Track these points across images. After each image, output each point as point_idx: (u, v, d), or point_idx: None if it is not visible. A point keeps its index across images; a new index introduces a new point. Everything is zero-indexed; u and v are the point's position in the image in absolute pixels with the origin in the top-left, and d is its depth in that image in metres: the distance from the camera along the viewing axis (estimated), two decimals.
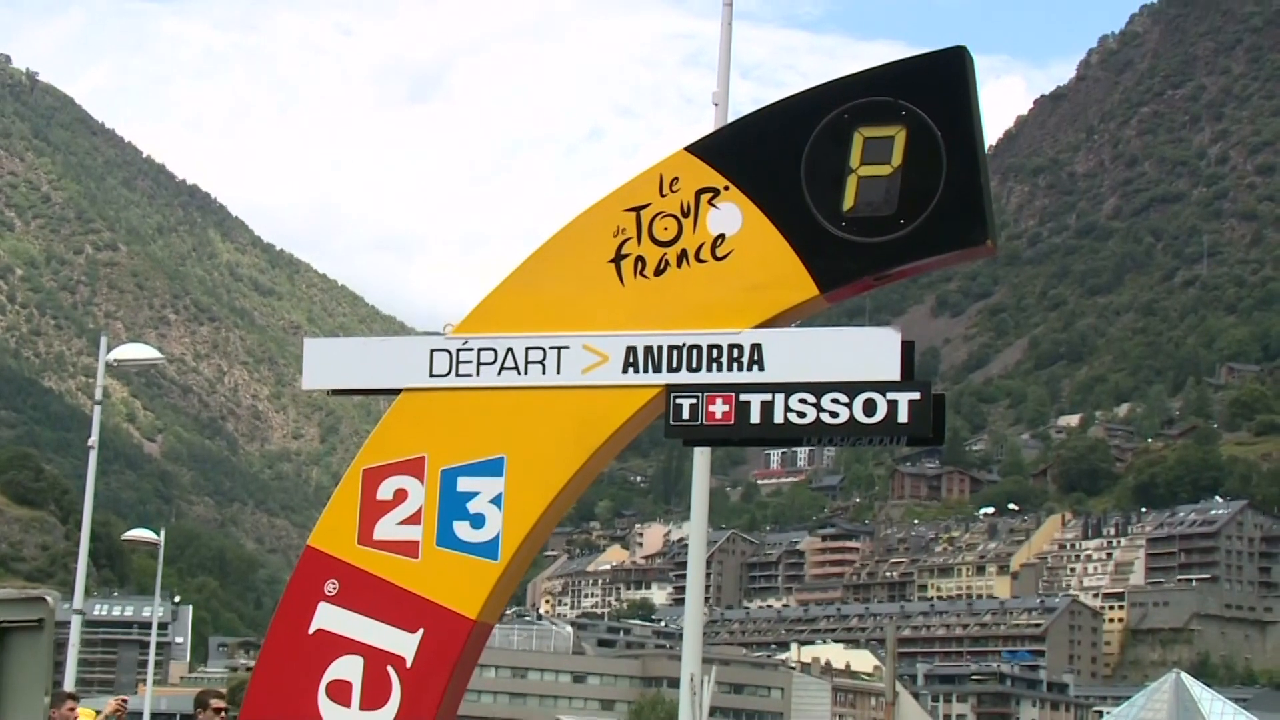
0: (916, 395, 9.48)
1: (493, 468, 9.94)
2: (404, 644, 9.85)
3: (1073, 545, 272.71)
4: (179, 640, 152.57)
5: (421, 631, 9.85)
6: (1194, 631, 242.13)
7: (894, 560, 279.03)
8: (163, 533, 55.47)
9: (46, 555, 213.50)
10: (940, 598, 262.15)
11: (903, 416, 9.43)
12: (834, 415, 9.49)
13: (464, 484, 9.95)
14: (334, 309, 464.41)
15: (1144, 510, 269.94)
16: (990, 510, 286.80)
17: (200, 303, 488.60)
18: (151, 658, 66.87)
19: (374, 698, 9.85)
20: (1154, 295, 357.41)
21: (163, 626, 70.28)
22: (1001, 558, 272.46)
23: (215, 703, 18.75)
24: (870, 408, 9.43)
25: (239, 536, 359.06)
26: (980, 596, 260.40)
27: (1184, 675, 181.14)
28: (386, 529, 10.02)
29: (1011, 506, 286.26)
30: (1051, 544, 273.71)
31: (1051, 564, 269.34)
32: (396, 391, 10.28)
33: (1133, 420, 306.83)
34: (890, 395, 9.45)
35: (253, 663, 12.95)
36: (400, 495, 10.03)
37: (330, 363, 10.74)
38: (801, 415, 9.53)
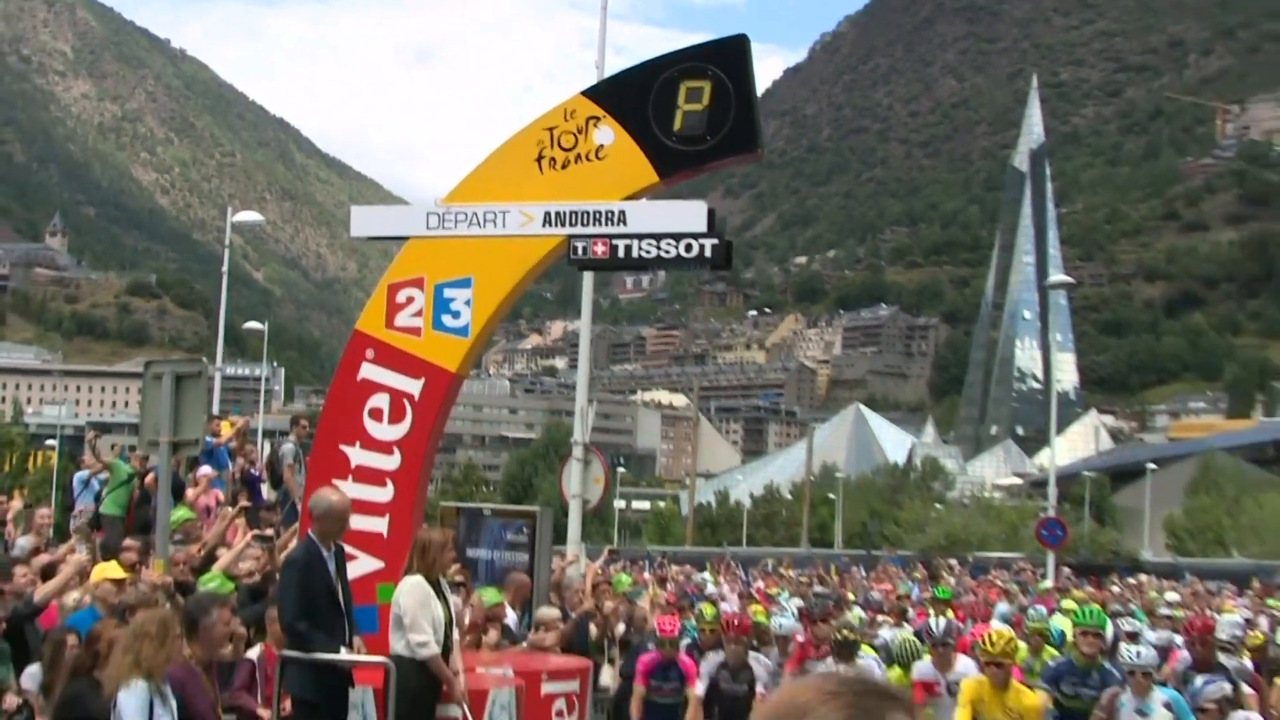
0: (716, 241, 9.50)
1: (465, 283, 9.88)
2: (413, 386, 9.84)
3: (800, 332, 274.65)
4: (276, 388, 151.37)
5: (423, 379, 9.84)
6: (867, 382, 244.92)
7: (698, 341, 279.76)
8: (266, 325, 54.72)
9: (197, 338, 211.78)
10: (725, 364, 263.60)
11: (709, 253, 9.48)
12: (667, 252, 9.49)
13: (448, 292, 9.90)
14: (367, 193, 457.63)
15: (841, 312, 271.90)
16: (754, 312, 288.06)
17: (285, 189, 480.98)
18: (261, 398, 66.38)
19: (396, 417, 9.85)
20: (850, 187, 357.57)
21: (267, 380, 70.49)
22: (760, 340, 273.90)
23: (302, 423, 18.59)
24: (689, 248, 9.45)
25: (311, 327, 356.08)
26: (748, 363, 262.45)
27: (861, 406, 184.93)
28: (403, 319, 9.97)
29: (767, 310, 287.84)
30: (789, 332, 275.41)
31: (788, 343, 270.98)
32: (406, 238, 10.17)
33: (836, 260, 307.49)
34: (701, 241, 9.46)
35: (323, 401, 12.73)
36: (410, 299, 9.97)
37: (367, 221, 10.62)
38: (648, 253, 9.52)
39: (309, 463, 10.68)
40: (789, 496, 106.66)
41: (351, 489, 9.50)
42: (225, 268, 38.46)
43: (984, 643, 9.56)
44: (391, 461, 9.84)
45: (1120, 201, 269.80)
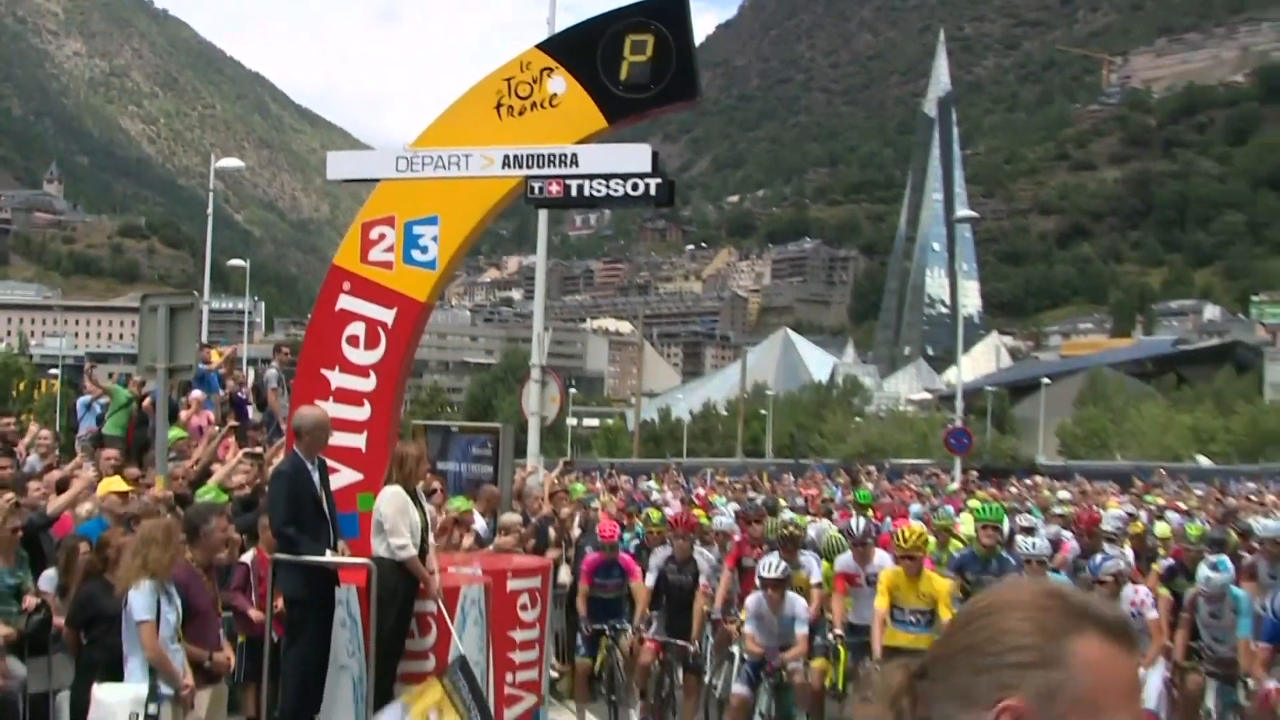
0: (660, 180, 9.44)
1: (432, 221, 9.73)
2: (386, 315, 9.71)
3: (733, 264, 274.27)
4: (258, 320, 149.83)
5: (396, 309, 9.71)
6: (794, 309, 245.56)
7: (641, 273, 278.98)
8: (247, 262, 54.08)
9: (184, 275, 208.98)
10: (666, 294, 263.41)
11: (653, 192, 9.39)
12: (616, 191, 9.41)
13: (416, 229, 9.72)
14: (337, 141, 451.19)
15: (770, 246, 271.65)
16: (691, 247, 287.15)
17: (261, 138, 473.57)
18: (245, 329, 65.66)
19: (371, 343, 9.72)
20: (777, 132, 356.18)
21: (249, 312, 69.72)
22: (697, 272, 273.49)
23: (283, 350, 18.48)
24: (635, 187, 9.36)
25: (288, 264, 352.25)
26: (686, 293, 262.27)
27: (789, 330, 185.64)
28: (376, 254, 9.78)
29: (703, 244, 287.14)
30: (723, 264, 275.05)
31: (723, 274, 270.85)
32: (377, 180, 10.03)
33: (765, 198, 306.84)
34: (646, 180, 9.39)
35: (301, 333, 12.67)
36: (382, 235, 9.78)
37: (341, 165, 10.44)
38: (599, 192, 9.44)
39: (292, 386, 10.60)
40: (724, 412, 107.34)
41: (332, 409, 9.43)
42: (210, 210, 38.08)
43: (899, 539, 9.71)
44: (368, 384, 9.76)
45: (1018, 144, 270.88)
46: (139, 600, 7.30)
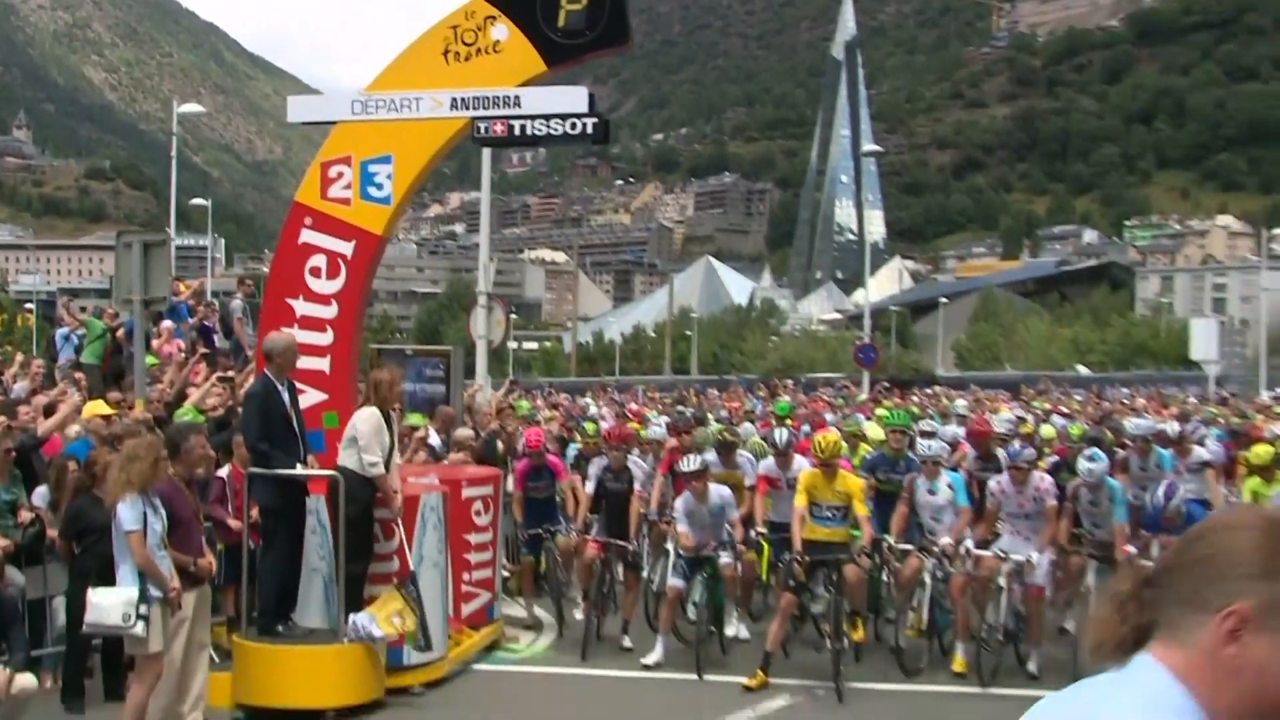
0: (596, 120, 9.39)
1: (386, 160, 9.61)
2: (345, 248, 9.62)
3: (659, 198, 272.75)
4: (219, 255, 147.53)
5: (354, 241, 9.63)
6: (715, 238, 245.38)
7: (574, 207, 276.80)
8: (209, 201, 53.10)
9: (148, 214, 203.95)
10: (598, 225, 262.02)
11: (590, 130, 9.35)
12: (556, 130, 9.37)
13: (372, 168, 9.60)
14: (290, 88, 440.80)
15: (693, 180, 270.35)
16: (620, 182, 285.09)
17: (217, 84, 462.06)
18: (209, 264, 64.55)
19: (332, 274, 9.63)
20: (698, 74, 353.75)
21: (210, 248, 68.47)
22: (626, 205, 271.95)
23: (246, 283, 18.26)
24: (574, 126, 9.31)
25: (245, 203, 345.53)
26: (616, 224, 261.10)
27: (711, 258, 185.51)
28: (334, 191, 9.66)
29: (631, 179, 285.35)
30: (650, 198, 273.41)
31: (649, 207, 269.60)
32: (334, 123, 9.88)
33: (688, 136, 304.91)
34: (583, 120, 9.34)
35: (261, 267, 12.46)
36: (340, 174, 9.64)
37: (301, 108, 10.26)
38: (540, 131, 9.39)
39: (261, 314, 10.51)
40: (653, 334, 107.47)
41: (298, 334, 9.37)
42: (174, 152, 37.27)
43: (817, 448, 9.87)
44: (330, 311, 9.67)
45: (917, 84, 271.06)
46: (127, 512, 7.27)
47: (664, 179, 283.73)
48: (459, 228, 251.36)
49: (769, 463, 10.91)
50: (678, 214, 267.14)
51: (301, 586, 8.99)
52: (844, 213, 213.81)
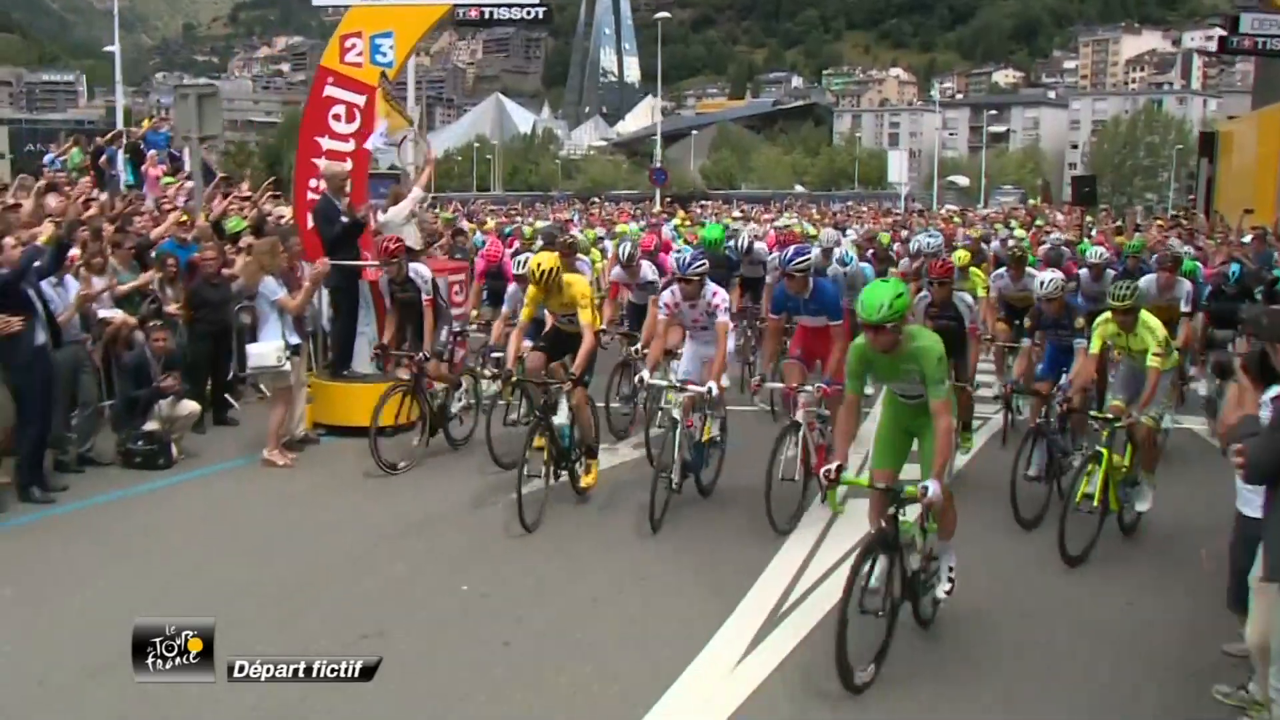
0: (545, 7, 10.25)
1: (389, 34, 10.19)
2: (359, 99, 10.14)
3: (454, 44, 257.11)
4: (81, 90, 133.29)
5: (365, 95, 10.15)
6: (501, 77, 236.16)
7: None
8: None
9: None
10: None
11: (540, 16, 10.17)
12: (515, 14, 10.31)
13: (378, 40, 10.11)
14: None
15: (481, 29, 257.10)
16: None
17: None
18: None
19: (350, 119, 10.20)
20: None
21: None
22: (427, 49, 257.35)
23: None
24: (529, 12, 10.30)
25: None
26: (419, 65, 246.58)
27: (499, 95, 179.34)
28: (350, 57, 10.17)
29: None
30: (445, 44, 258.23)
31: (445, 51, 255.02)
32: (349, 6, 10.30)
33: None
34: (535, 7, 10.20)
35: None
36: (353, 45, 10.15)
37: None
38: (502, 14, 10.29)
39: (297, 150, 10.57)
40: (459, 158, 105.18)
41: (323, 163, 10.09)
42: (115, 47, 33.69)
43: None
44: (349, 146, 10.27)
45: None
46: (268, 287, 8.36)
47: (457, 28, 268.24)
48: (285, 67, 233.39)
49: (619, 272, 10.42)
50: (469, 58, 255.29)
51: (356, 345, 9.98)
52: (607, 59, 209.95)
